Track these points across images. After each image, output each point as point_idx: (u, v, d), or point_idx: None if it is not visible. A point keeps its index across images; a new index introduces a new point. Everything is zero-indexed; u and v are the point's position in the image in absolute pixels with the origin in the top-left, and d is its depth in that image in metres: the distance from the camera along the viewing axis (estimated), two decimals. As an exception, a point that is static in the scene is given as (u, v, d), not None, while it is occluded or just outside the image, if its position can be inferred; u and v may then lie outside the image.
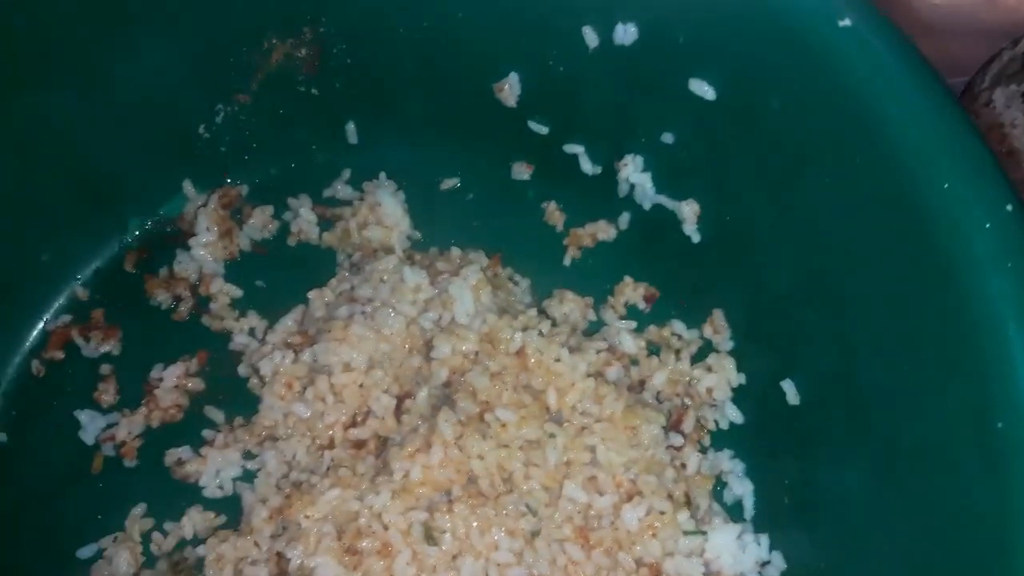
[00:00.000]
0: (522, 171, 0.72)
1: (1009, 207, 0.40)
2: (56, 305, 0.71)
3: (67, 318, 0.70)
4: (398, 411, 0.62)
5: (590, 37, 0.58)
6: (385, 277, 0.64)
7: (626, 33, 0.55)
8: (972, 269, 0.40)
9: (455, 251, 0.69)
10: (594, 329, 0.68)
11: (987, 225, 0.40)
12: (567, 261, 0.70)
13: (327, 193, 0.74)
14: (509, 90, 0.66)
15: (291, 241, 0.73)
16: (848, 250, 0.48)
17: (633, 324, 0.67)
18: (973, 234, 0.40)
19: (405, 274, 0.63)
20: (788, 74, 0.47)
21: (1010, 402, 0.38)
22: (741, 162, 0.55)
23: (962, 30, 0.93)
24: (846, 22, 0.44)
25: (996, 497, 0.38)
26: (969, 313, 0.40)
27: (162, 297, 0.71)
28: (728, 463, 0.61)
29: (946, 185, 0.41)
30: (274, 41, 0.67)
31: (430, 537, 0.55)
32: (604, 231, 0.70)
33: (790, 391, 0.57)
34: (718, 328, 0.64)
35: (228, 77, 0.69)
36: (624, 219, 0.69)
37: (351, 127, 0.73)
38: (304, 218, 0.73)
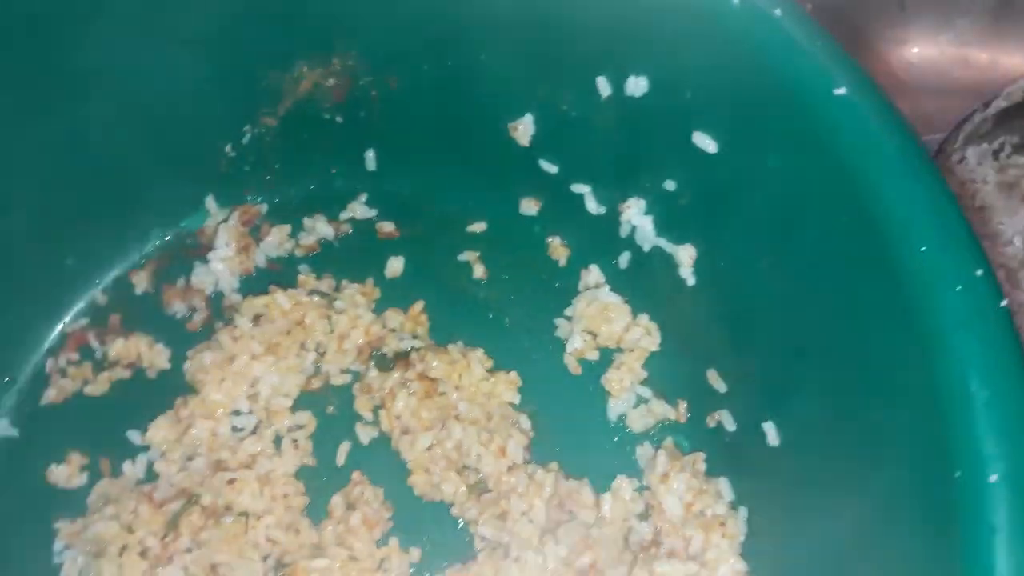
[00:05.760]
0: (530, 207, 0.76)
1: (979, 272, 0.43)
2: (76, 308, 0.74)
3: (84, 321, 0.73)
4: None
5: (603, 86, 0.61)
6: None
7: (637, 85, 0.59)
8: (942, 328, 0.43)
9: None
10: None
11: (958, 288, 0.43)
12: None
13: (344, 216, 0.77)
14: (523, 130, 0.69)
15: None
16: (830, 307, 0.51)
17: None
18: (945, 296, 0.43)
19: None
20: (785, 136, 0.50)
21: (969, 451, 0.40)
22: (737, 214, 0.58)
23: (936, 88, 0.97)
24: (841, 91, 0.47)
25: (949, 550, 0.40)
26: (937, 368, 0.43)
27: (178, 307, 0.74)
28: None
29: (922, 249, 0.44)
30: (304, 70, 0.71)
31: None
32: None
33: (771, 433, 0.59)
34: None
35: (258, 100, 0.73)
36: (624, 258, 0.72)
37: (371, 154, 0.76)
38: (320, 232, 0.76)
